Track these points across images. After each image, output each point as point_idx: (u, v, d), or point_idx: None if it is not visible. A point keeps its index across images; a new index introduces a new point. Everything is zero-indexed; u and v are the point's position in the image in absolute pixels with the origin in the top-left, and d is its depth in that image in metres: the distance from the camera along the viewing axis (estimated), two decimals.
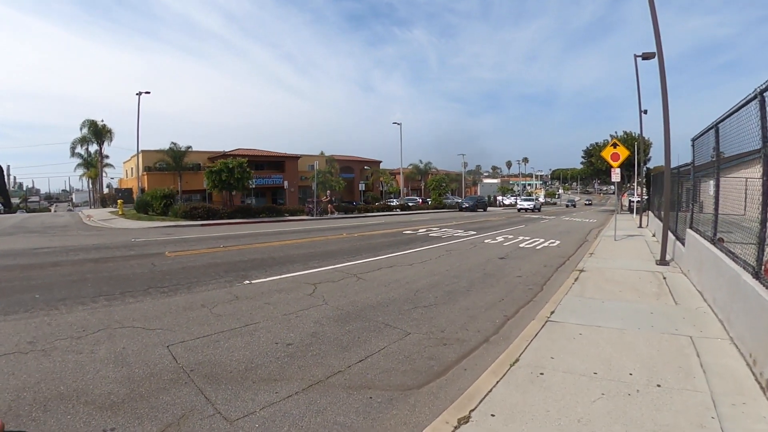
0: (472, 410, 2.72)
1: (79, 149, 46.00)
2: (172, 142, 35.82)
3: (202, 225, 19.01)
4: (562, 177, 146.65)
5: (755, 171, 3.83)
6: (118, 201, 27.83)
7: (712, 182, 5.69)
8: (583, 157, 46.76)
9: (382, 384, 3.31)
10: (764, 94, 3.48)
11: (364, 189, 43.53)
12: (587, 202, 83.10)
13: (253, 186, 26.29)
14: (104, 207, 39.48)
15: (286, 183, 28.06)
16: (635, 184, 28.97)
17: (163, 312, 4.82)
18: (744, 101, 4.09)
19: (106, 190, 48.83)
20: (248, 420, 2.70)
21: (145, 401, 2.86)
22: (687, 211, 8.64)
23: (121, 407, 2.78)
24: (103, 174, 48.77)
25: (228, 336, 4.11)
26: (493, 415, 2.67)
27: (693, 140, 7.41)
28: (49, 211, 56.20)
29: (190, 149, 36.96)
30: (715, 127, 5.55)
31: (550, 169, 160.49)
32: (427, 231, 15.80)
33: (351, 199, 47.20)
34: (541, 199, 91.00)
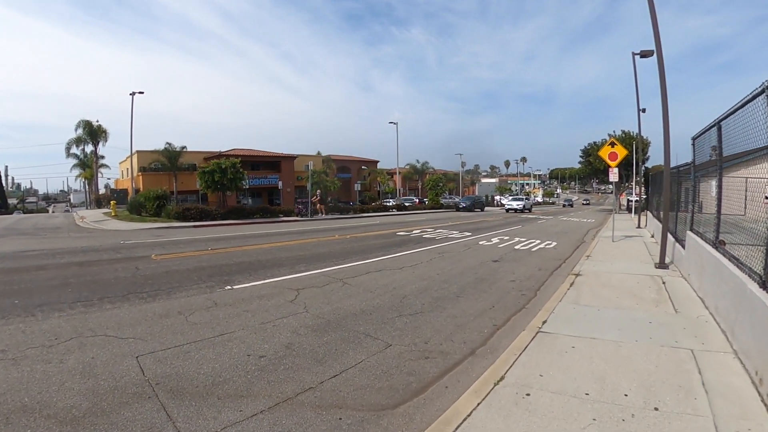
0: None
1: (74, 150, 45.73)
2: (167, 143, 35.50)
3: (194, 226, 18.77)
4: (560, 176, 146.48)
5: (760, 169, 3.55)
6: (111, 202, 27.47)
7: (713, 182, 5.40)
8: (581, 156, 46.53)
9: (355, 403, 3.06)
10: None
11: (360, 189, 43.18)
12: (585, 202, 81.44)
13: (247, 187, 25.94)
14: (99, 208, 39.12)
15: (280, 183, 27.67)
16: (633, 183, 28.72)
17: (139, 319, 4.65)
18: (750, 96, 3.80)
19: (103, 191, 48.44)
20: None
21: (106, 417, 2.74)
22: (686, 212, 8.37)
23: (81, 422, 2.67)
24: (99, 174, 48.44)
25: (200, 346, 3.93)
26: None
27: (693, 139, 7.12)
28: (47, 211, 55.96)
29: (184, 149, 36.58)
30: (717, 124, 5.26)
31: (549, 169, 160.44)
32: (421, 232, 15.50)
33: (348, 199, 46.92)
34: (539, 198, 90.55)
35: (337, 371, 3.52)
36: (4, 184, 64.23)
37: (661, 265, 7.99)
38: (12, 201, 68.58)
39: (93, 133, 44.07)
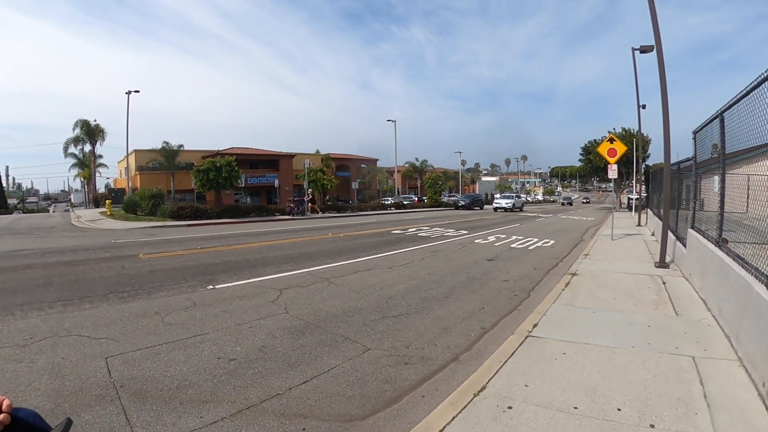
0: None
1: (72, 149, 45.57)
2: (165, 141, 35.24)
3: (189, 225, 18.67)
4: (561, 175, 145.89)
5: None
6: (107, 201, 27.27)
7: (716, 178, 5.10)
8: (581, 154, 46.08)
9: (322, 412, 2.84)
10: None
11: (357, 188, 42.86)
12: (585, 201, 78.72)
13: (243, 186, 25.67)
14: (97, 207, 38.93)
15: (276, 182, 27.37)
16: (634, 181, 28.37)
17: (115, 319, 4.56)
18: (756, 83, 3.49)
19: (102, 190, 48.28)
20: None
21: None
22: (687, 209, 8.08)
23: None
24: (97, 174, 48.26)
25: (171, 348, 3.81)
26: None
27: (694, 132, 6.81)
28: (47, 211, 55.99)
29: (182, 148, 36.31)
30: (719, 116, 4.96)
31: (549, 167, 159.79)
32: (416, 230, 15.20)
33: (347, 197, 46.65)
34: (539, 197, 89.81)
35: (308, 377, 3.32)
36: (4, 185, 64.26)
37: (662, 264, 7.69)
38: (12, 201, 68.61)
39: (91, 132, 43.86)
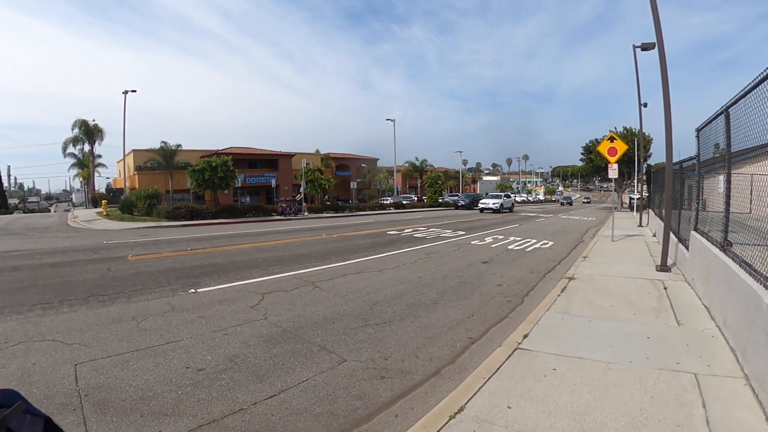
0: None
1: (71, 149, 45.38)
2: (163, 141, 35.00)
3: (183, 225, 18.50)
4: (562, 174, 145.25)
5: None
6: (103, 201, 27.10)
7: (721, 177, 4.78)
8: (582, 153, 45.64)
9: (285, 431, 2.62)
10: None
11: (356, 187, 42.57)
12: (585, 200, 75.99)
13: (239, 185, 25.39)
14: (96, 207, 38.78)
15: (273, 181, 27.09)
16: (635, 180, 27.99)
17: (91, 324, 4.48)
18: (764, 75, 3.19)
19: (102, 190, 48.18)
20: None
21: None
22: (689, 209, 7.77)
23: None
24: (97, 174, 48.12)
25: (141, 355, 3.69)
26: None
27: (698, 130, 6.49)
28: (48, 211, 56.15)
29: (180, 148, 36.09)
30: (725, 111, 4.65)
31: (551, 167, 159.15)
32: (412, 231, 14.89)
33: (347, 197, 46.38)
34: (540, 196, 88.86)
35: (277, 390, 3.11)
36: (6, 184, 64.36)
37: (663, 267, 7.37)
38: (14, 201, 68.76)
39: (89, 132, 43.68)
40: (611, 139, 11.94)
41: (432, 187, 40.64)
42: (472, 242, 12.04)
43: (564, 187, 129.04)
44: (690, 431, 2.41)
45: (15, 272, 7.29)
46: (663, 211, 8.56)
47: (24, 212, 50.07)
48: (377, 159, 59.21)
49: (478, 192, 60.97)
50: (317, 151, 53.82)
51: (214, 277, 6.94)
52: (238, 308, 5.20)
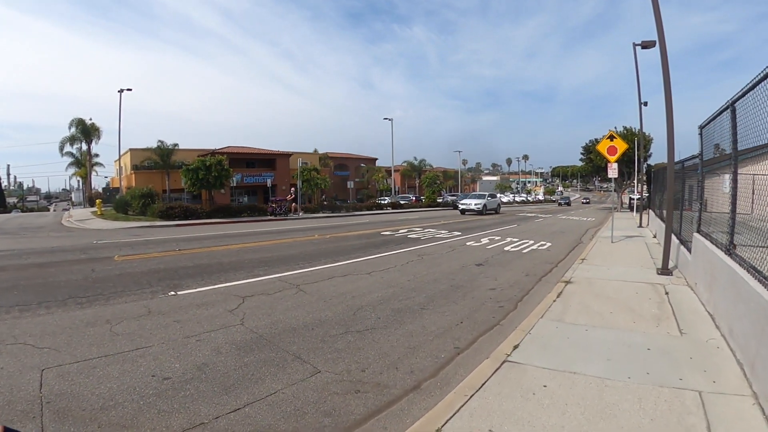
0: None
1: (69, 148, 45.09)
2: (159, 140, 34.86)
3: (177, 225, 18.31)
4: (562, 174, 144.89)
5: None
6: (97, 201, 26.84)
7: (727, 176, 4.48)
8: (582, 153, 45.34)
9: None
10: None
11: (352, 187, 42.28)
12: (585, 201, 73.54)
13: (234, 185, 25.11)
14: (92, 206, 38.52)
15: (269, 181, 26.77)
16: (635, 180, 27.69)
17: (64, 327, 4.35)
18: None
19: (100, 189, 47.91)
20: None
21: None
22: (689, 210, 7.47)
23: None
24: (94, 173, 47.89)
25: (109, 361, 3.54)
26: None
27: (701, 127, 6.20)
28: (47, 210, 56.15)
29: (176, 147, 35.83)
30: (731, 106, 4.35)
31: (551, 167, 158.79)
32: (407, 232, 14.59)
33: (346, 197, 46.11)
34: (540, 196, 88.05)
35: (242, 404, 2.90)
36: (5, 183, 64.29)
37: (664, 270, 7.06)
38: (12, 200, 68.64)
39: (86, 131, 43.45)
40: (611, 137, 11.64)
41: (430, 186, 40.36)
42: (468, 243, 11.74)
43: (564, 187, 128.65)
44: None
45: (0, 272, 7.16)
46: (664, 211, 8.26)
47: (22, 211, 50.07)
48: (376, 159, 58.98)
49: (477, 192, 60.64)
50: (315, 150, 53.61)
51: (197, 279, 6.71)
52: (215, 312, 4.97)
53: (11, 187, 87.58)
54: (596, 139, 41.92)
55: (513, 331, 4.21)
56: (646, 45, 14.26)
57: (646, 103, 18.99)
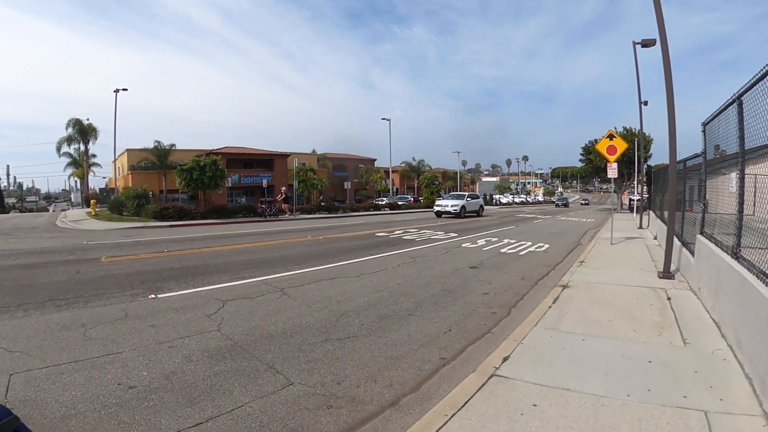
0: None
1: (66, 148, 44.85)
2: (156, 141, 34.52)
3: (171, 226, 18.07)
4: (562, 175, 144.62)
5: None
6: (91, 201, 26.59)
7: (734, 175, 4.20)
8: (582, 154, 45.12)
9: None
10: None
11: (350, 188, 42.00)
12: (584, 202, 72.15)
13: (230, 185, 24.82)
14: (89, 207, 38.27)
15: (265, 182, 26.49)
16: (635, 181, 27.40)
17: (39, 331, 4.23)
18: None
19: (98, 190, 47.68)
20: None
21: None
22: (690, 210, 7.19)
23: None
24: (92, 173, 47.68)
25: (77, 368, 3.41)
26: None
27: (704, 124, 5.91)
28: (46, 210, 56.06)
29: (173, 147, 35.55)
30: (737, 100, 4.07)
31: (551, 168, 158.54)
32: (402, 233, 14.30)
33: (344, 197, 45.83)
34: (539, 197, 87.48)
35: (205, 417, 2.71)
36: (4, 184, 64.12)
37: (666, 274, 6.78)
38: (11, 200, 68.43)
39: (83, 131, 43.20)
40: (610, 137, 11.36)
41: (429, 187, 40.10)
42: (463, 245, 11.44)
43: (564, 188, 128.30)
44: None
45: None
46: (665, 213, 7.97)
47: (21, 212, 49.96)
48: (375, 159, 58.74)
49: (476, 193, 60.32)
50: (313, 151, 53.32)
51: (180, 282, 6.49)
52: (193, 317, 4.73)
53: (11, 188, 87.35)
54: (596, 140, 41.67)
55: (504, 341, 3.92)
56: (647, 43, 14.01)
57: (646, 102, 18.72)
